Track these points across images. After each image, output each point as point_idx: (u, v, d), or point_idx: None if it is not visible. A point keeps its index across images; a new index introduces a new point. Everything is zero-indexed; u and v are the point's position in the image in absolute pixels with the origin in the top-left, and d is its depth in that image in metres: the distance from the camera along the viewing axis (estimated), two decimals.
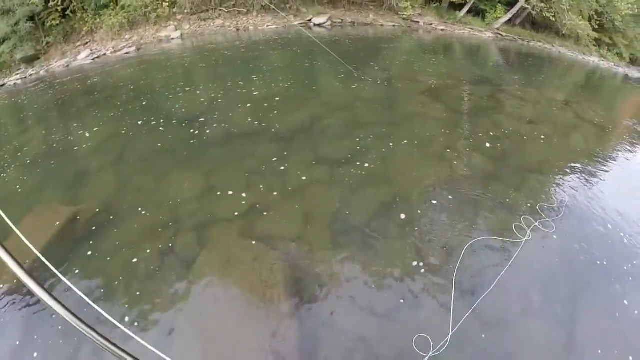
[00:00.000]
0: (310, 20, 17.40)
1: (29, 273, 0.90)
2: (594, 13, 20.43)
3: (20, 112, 10.75)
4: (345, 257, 3.96)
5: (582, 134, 7.70)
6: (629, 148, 7.46)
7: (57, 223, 4.57)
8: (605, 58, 22.83)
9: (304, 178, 5.13)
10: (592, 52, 22.41)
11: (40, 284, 0.87)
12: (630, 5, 18.60)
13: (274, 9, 16.33)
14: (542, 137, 6.94)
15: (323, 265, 3.82)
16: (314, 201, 4.73)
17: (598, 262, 4.15)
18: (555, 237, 4.37)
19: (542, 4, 18.73)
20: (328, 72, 10.08)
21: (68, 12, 16.49)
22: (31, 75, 15.43)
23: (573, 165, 6.13)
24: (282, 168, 5.35)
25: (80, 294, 1.51)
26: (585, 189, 5.47)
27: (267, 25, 17.00)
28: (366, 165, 5.41)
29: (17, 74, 15.77)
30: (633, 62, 26.46)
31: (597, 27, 21.35)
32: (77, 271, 3.97)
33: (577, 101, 10.30)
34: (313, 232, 4.23)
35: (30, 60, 16.43)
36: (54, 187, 5.67)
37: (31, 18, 16.25)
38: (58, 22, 16.58)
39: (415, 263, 3.88)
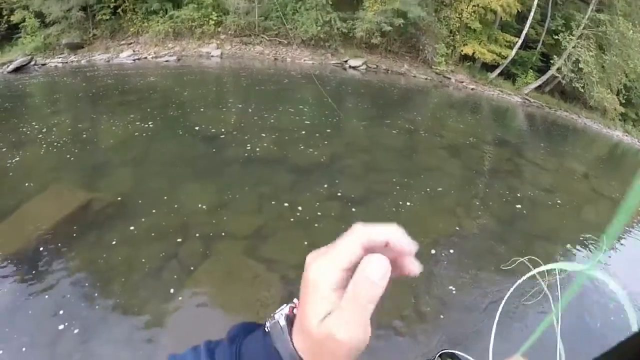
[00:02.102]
0: (346, 61, 17.87)
1: None
2: (622, 87, 20.51)
3: (55, 93, 11.22)
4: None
5: (596, 208, 7.67)
6: None
7: (72, 205, 4.77)
8: (629, 133, 22.70)
9: (314, 211, 5.21)
10: (617, 126, 22.38)
11: None
12: None
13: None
14: (556, 206, 6.96)
15: None
16: (320, 234, 4.79)
17: (597, 335, 4.13)
18: (551, 304, 4.34)
19: (573, 74, 18.99)
20: (355, 113, 10.33)
21: (119, 10, 17.31)
22: (72, 61, 16.07)
23: (581, 236, 6.12)
24: (295, 198, 5.44)
25: None
26: (589, 261, 5.43)
27: (304, 60, 17.52)
28: (377, 208, 5.49)
29: (60, 57, 16.40)
30: None
31: (624, 101, 21.42)
32: (80, 254, 4.09)
33: (596, 174, 10.28)
34: None
35: (75, 48, 17.08)
36: (73, 171, 5.87)
37: (84, 8, 16.97)
38: (108, 17, 17.32)
39: (410, 311, 3.89)
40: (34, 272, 3.82)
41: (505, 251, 5.19)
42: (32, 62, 15.77)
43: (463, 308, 4.07)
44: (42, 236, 4.23)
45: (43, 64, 15.80)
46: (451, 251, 4.90)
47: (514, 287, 3.89)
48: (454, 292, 4.23)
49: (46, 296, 3.56)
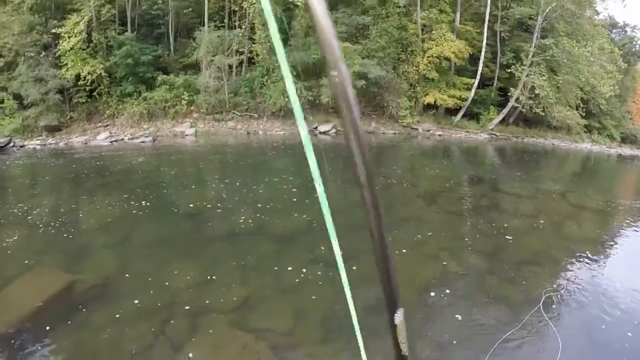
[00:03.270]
0: (316, 127, 18.56)
1: None
2: (579, 101, 21.50)
3: (36, 175, 11.29)
4: (335, 352, 3.92)
5: (577, 221, 7.92)
6: (624, 229, 7.63)
7: (55, 287, 4.68)
8: (597, 142, 23.61)
9: (298, 277, 5.22)
10: (584, 138, 23.30)
11: None
12: (612, 87, 19.42)
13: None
14: (538, 229, 7.16)
15: (312, 359, 3.80)
16: (307, 298, 4.78)
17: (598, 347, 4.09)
18: (551, 324, 4.31)
19: (531, 101, 19.94)
20: (329, 177, 10.57)
21: (95, 93, 17.89)
22: (50, 144, 16.27)
23: (567, 252, 6.27)
24: (278, 266, 5.47)
25: None
26: (578, 276, 5.52)
27: (276, 131, 18.23)
28: (361, 266, 5.42)
29: (38, 140, 16.62)
30: (624, 140, 27.32)
31: (584, 114, 22.31)
32: (65, 337, 3.97)
33: (573, 190, 10.67)
34: (304, 327, 4.26)
35: (53, 130, 17.38)
36: (56, 253, 5.83)
37: (61, 91, 17.53)
38: (84, 100, 17.85)
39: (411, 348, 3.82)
40: (17, 357, 3.67)
41: (496, 282, 5.25)
42: (11, 144, 15.93)
43: (463, 349, 4.03)
44: (26, 319, 4.12)
45: (22, 146, 15.99)
46: (447, 291, 4.94)
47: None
48: (451, 333, 4.21)
49: None
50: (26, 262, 5.41)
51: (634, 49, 30.40)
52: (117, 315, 4.29)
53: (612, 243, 6.91)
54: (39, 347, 3.79)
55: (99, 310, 4.40)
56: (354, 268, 5.35)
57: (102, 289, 4.84)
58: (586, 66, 19.23)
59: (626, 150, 22.80)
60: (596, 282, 5.28)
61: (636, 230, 7.56)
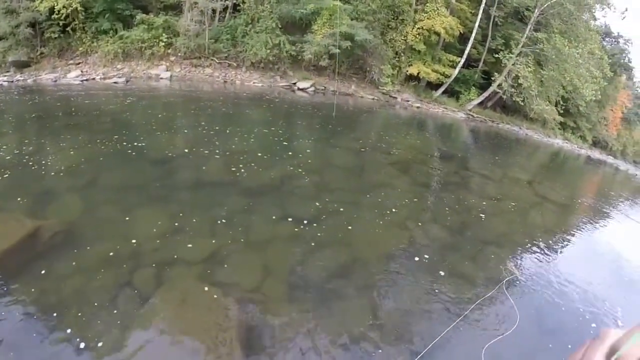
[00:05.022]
0: (295, 83, 18.23)
1: None
2: (560, 99, 22.10)
3: (0, 113, 10.56)
4: (300, 311, 4.03)
5: (541, 211, 8.29)
6: (584, 224, 8.11)
7: (17, 233, 4.49)
8: (569, 140, 24.56)
9: (267, 232, 5.28)
10: (557, 134, 24.13)
11: None
12: (594, 92, 19.98)
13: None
14: (503, 213, 7.45)
15: (277, 317, 3.89)
16: (274, 255, 4.86)
17: (549, 331, 4.39)
18: (508, 303, 4.60)
19: (513, 90, 20.29)
20: (305, 135, 10.52)
21: (68, 28, 16.73)
22: (18, 80, 15.36)
23: (529, 238, 6.59)
24: (248, 221, 5.48)
25: None
26: (537, 261, 5.86)
27: (254, 82, 17.72)
28: (329, 227, 5.58)
29: (5, 76, 15.65)
30: (595, 144, 28.61)
31: (562, 111, 23.03)
32: (28, 286, 3.88)
33: (540, 181, 11.06)
34: (271, 284, 4.32)
35: (21, 66, 16.37)
36: (19, 198, 5.55)
37: (32, 25, 16.39)
38: (57, 35, 16.73)
39: (369, 324, 3.98)
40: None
41: (458, 259, 5.47)
42: None
43: (424, 318, 4.25)
44: None
45: None
46: (412, 261, 5.13)
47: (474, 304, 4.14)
48: (413, 302, 4.41)
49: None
50: None
51: (622, 61, 31.52)
52: (82, 264, 4.22)
53: (570, 236, 7.36)
54: (2, 296, 3.69)
55: (63, 258, 4.30)
56: (317, 230, 5.44)
57: (66, 236, 4.71)
58: (573, 67, 19.52)
59: (595, 154, 23.81)
60: (555, 271, 5.63)
61: (593, 228, 8.11)
